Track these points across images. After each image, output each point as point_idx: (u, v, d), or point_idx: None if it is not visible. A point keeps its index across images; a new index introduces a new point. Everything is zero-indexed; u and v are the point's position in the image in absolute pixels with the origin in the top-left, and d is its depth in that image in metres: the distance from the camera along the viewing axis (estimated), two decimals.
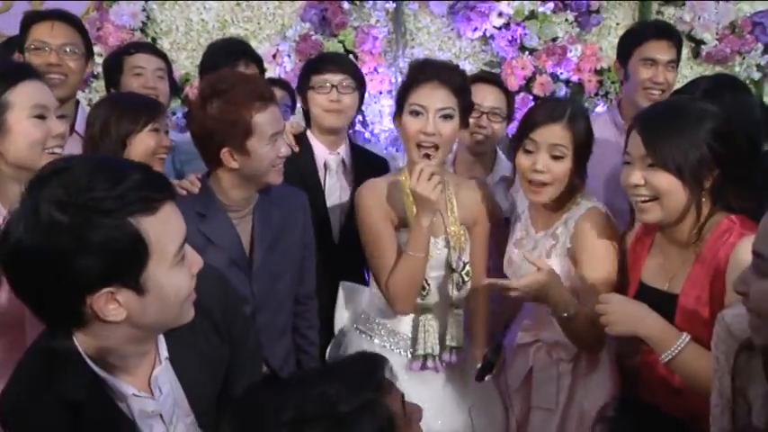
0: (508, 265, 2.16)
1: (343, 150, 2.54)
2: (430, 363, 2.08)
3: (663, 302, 1.74)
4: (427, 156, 1.99)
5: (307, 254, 2.17)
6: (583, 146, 1.99)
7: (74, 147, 2.34)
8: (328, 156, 2.51)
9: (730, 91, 2.14)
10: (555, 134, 1.96)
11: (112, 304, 1.14)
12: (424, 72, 2.05)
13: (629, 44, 2.74)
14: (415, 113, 2.01)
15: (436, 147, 2.01)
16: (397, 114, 2.09)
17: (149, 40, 3.65)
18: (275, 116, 1.93)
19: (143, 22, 3.67)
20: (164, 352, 1.33)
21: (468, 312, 2.20)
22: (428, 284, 2.09)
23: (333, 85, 2.44)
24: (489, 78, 2.58)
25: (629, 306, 1.73)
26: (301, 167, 2.44)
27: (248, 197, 2.02)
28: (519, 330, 2.17)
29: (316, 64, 2.54)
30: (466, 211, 2.16)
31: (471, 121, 2.32)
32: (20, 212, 1.11)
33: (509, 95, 2.65)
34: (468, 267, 2.10)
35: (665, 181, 1.67)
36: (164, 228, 1.15)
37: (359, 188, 2.18)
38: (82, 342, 1.22)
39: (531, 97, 3.56)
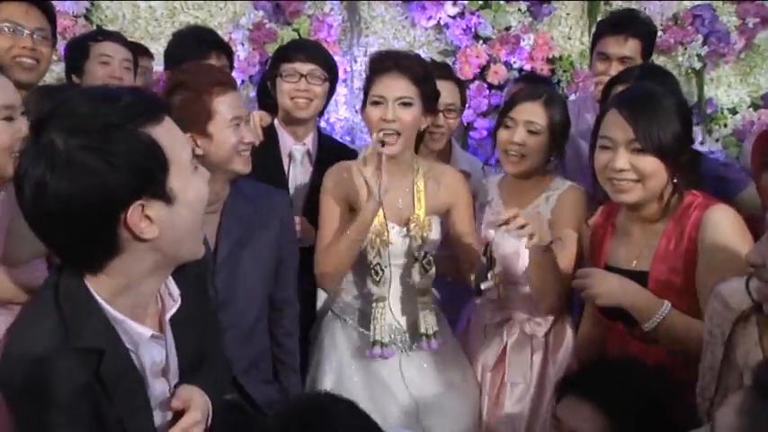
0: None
1: (310, 141, 2.51)
2: (377, 350, 2.07)
3: (633, 280, 1.78)
4: (382, 143, 2.00)
5: (284, 256, 2.10)
6: (558, 125, 2.14)
7: None
8: (294, 146, 2.48)
9: (661, 77, 2.24)
10: (531, 111, 2.13)
11: (145, 222, 1.16)
12: (382, 63, 2.11)
13: (593, 38, 2.83)
14: (376, 103, 2.07)
15: (398, 133, 2.05)
16: (363, 108, 2.14)
17: (93, 27, 3.51)
18: (235, 101, 1.95)
19: (87, 9, 3.53)
20: (175, 290, 1.35)
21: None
22: (381, 271, 2.10)
23: (302, 75, 2.40)
24: (441, 74, 2.56)
25: (609, 278, 1.76)
26: (266, 157, 2.39)
27: (217, 191, 1.96)
28: (488, 311, 2.22)
29: (286, 51, 2.50)
30: (436, 198, 2.16)
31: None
32: (33, 153, 1.11)
33: (461, 86, 2.66)
34: (429, 257, 2.10)
35: (651, 164, 1.72)
36: (172, 136, 1.19)
37: (328, 170, 2.21)
38: (95, 285, 1.21)
39: (486, 86, 3.60)
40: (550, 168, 2.23)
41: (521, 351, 2.13)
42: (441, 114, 2.52)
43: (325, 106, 2.54)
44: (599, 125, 1.83)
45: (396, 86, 2.06)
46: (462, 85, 2.69)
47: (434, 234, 2.15)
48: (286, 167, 2.47)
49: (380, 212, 2.07)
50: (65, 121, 1.11)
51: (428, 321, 2.11)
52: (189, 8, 3.61)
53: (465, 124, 3.60)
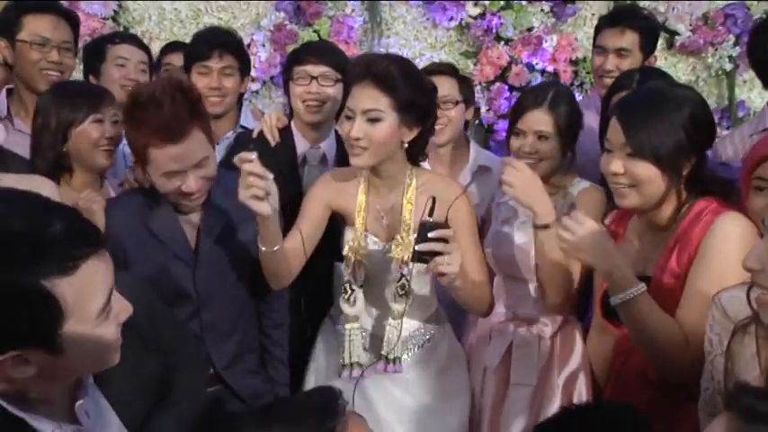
0: (493, 241, 2.19)
1: (327, 145, 2.49)
2: (356, 372, 1.97)
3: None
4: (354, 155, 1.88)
5: None
6: (567, 126, 2.14)
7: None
8: (309, 150, 2.47)
9: (658, 80, 2.18)
10: (538, 120, 2.13)
11: (21, 365, 1.02)
12: (354, 70, 1.92)
13: (594, 34, 2.82)
14: (347, 117, 1.88)
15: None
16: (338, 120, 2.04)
17: (121, 29, 3.59)
18: (174, 156, 1.80)
19: (114, 11, 3.61)
20: (87, 378, 1.22)
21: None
22: (351, 290, 1.98)
23: (312, 77, 2.39)
24: (436, 69, 2.55)
25: (600, 236, 1.67)
26: (281, 160, 2.40)
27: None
28: (496, 308, 2.19)
29: (297, 54, 2.49)
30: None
31: None
32: None
33: (462, 80, 2.61)
34: (404, 281, 1.93)
35: (645, 170, 1.67)
36: (84, 288, 1.04)
37: None
38: None
39: (507, 87, 3.56)
40: (565, 165, 2.20)
41: (526, 351, 2.10)
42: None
43: (341, 108, 2.51)
44: (606, 126, 1.80)
45: (364, 97, 1.84)
46: (464, 79, 2.63)
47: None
48: (301, 172, 2.47)
49: (361, 227, 1.99)
50: None
51: (391, 345, 1.97)
52: (213, 10, 3.67)
53: (485, 126, 3.57)
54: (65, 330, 1.03)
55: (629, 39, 2.70)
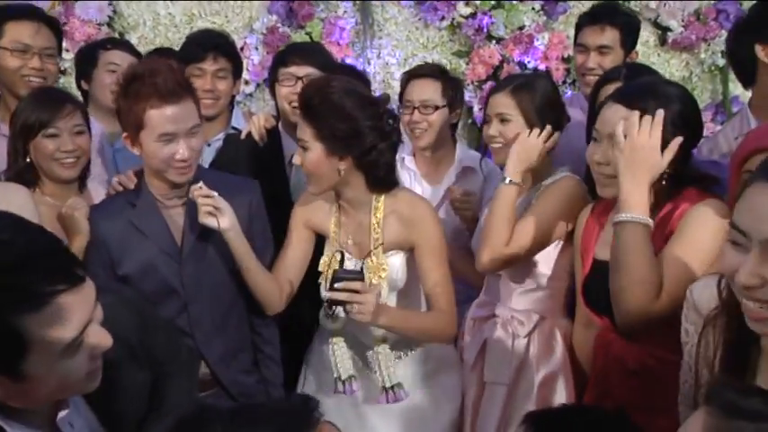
0: (476, 238, 2.20)
1: None
2: (355, 385, 2.00)
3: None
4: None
5: (256, 246, 2.05)
6: (536, 111, 2.10)
7: None
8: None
9: (648, 76, 2.19)
10: (499, 102, 2.14)
11: None
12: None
13: (575, 33, 2.83)
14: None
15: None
16: None
17: (116, 35, 3.61)
18: (170, 117, 1.88)
19: (109, 17, 3.63)
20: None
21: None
22: (330, 307, 1.98)
23: (298, 78, 2.41)
24: (418, 72, 2.56)
25: (648, 149, 1.62)
26: (268, 161, 2.43)
27: (174, 188, 2.00)
28: (474, 306, 2.20)
29: (282, 56, 2.52)
30: (398, 234, 2.00)
31: (406, 118, 2.41)
32: None
33: (446, 82, 2.54)
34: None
35: None
36: (53, 323, 1.02)
37: None
38: None
39: None
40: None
41: (501, 349, 2.09)
42: (416, 111, 2.48)
43: None
44: (594, 119, 1.81)
45: (299, 128, 1.95)
46: (449, 81, 2.56)
47: (397, 274, 2.02)
48: (288, 173, 2.49)
49: (334, 244, 2.04)
50: None
51: (387, 371, 1.97)
52: (206, 14, 3.68)
53: (479, 126, 3.58)
54: (28, 362, 1.02)
55: (610, 36, 2.70)
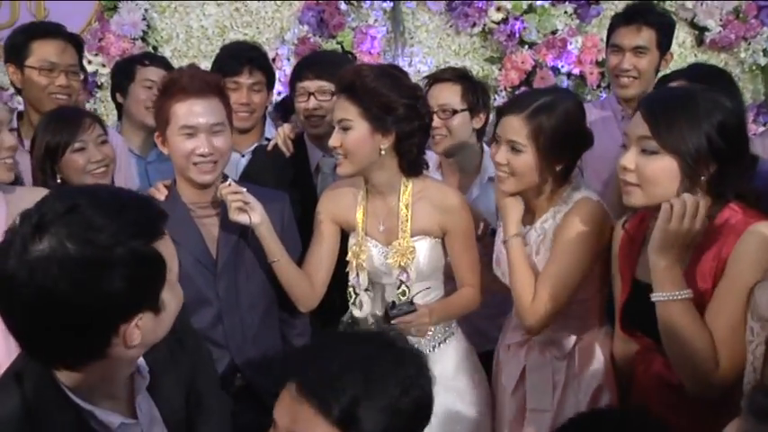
0: (497, 265, 2.11)
1: None
2: None
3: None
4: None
5: (291, 254, 2.06)
6: (552, 144, 1.86)
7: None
8: (322, 158, 2.49)
9: (715, 77, 2.12)
10: (511, 127, 1.88)
11: (137, 332, 1.13)
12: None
13: (607, 33, 2.76)
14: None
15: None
16: None
17: (150, 48, 3.67)
18: (197, 109, 1.92)
19: (144, 31, 3.69)
20: (144, 367, 1.31)
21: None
22: (355, 294, 2.07)
23: (310, 93, 2.41)
24: (439, 77, 2.48)
25: (687, 233, 1.55)
26: (296, 170, 2.44)
27: (205, 197, 2.02)
28: (509, 330, 2.15)
29: (298, 70, 2.51)
30: (427, 220, 2.04)
31: None
32: (37, 255, 1.03)
33: (467, 85, 2.45)
34: (404, 287, 2.00)
35: (656, 168, 1.61)
36: (170, 247, 1.18)
37: None
38: (64, 376, 1.16)
39: None
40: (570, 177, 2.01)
41: (541, 374, 2.02)
42: (435, 115, 2.35)
43: None
44: None
45: (337, 109, 1.98)
46: (471, 85, 2.47)
47: (423, 259, 2.03)
48: (315, 181, 2.48)
49: (361, 232, 2.06)
50: (73, 229, 1.04)
51: None
52: (238, 26, 3.72)
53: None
54: (164, 291, 1.16)
55: (646, 36, 2.63)
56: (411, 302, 1.97)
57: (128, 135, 2.86)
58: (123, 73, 2.89)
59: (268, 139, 2.77)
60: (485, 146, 2.54)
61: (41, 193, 2.00)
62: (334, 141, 1.97)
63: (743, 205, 1.63)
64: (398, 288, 2.01)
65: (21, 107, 2.75)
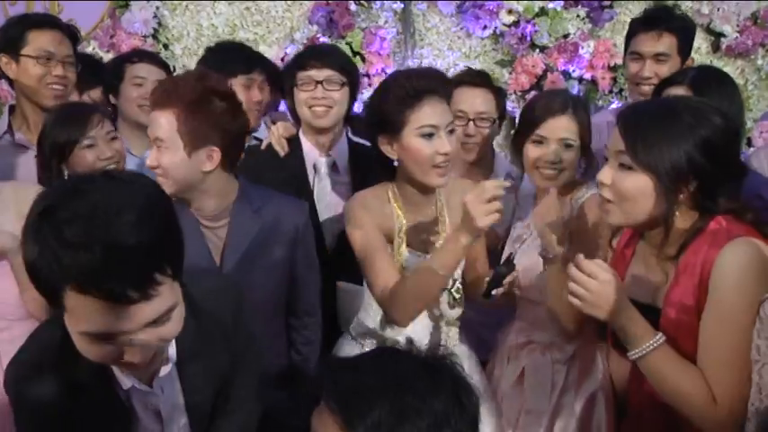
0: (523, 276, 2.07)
1: (338, 152, 2.43)
2: None
3: (646, 317, 1.57)
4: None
5: (301, 271, 2.06)
6: (586, 132, 2.04)
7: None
8: (318, 158, 2.42)
9: (718, 82, 2.05)
10: (563, 126, 2.01)
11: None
12: (421, 84, 1.90)
13: (626, 39, 2.67)
14: (429, 135, 1.89)
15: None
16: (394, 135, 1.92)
17: (161, 46, 3.69)
18: (155, 121, 1.86)
19: (154, 29, 3.70)
20: (172, 353, 1.36)
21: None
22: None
23: (317, 82, 2.32)
24: (473, 80, 2.43)
25: (613, 288, 1.52)
26: (291, 170, 2.38)
27: (213, 208, 1.96)
28: (512, 332, 2.13)
29: (300, 59, 2.42)
30: (459, 217, 2.01)
31: (458, 129, 2.23)
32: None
33: (498, 94, 2.47)
34: (458, 284, 1.98)
35: (632, 185, 1.54)
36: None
37: (347, 202, 2.10)
38: None
39: None
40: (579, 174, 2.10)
41: (541, 377, 2.01)
42: (471, 123, 2.37)
43: (348, 112, 2.44)
44: None
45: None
46: (499, 93, 2.50)
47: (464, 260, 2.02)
48: (311, 180, 2.42)
49: (403, 243, 1.99)
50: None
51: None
52: (248, 24, 3.71)
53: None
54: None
55: (667, 42, 2.53)
56: (510, 261, 1.86)
57: (123, 134, 2.82)
58: (113, 73, 2.85)
59: (258, 139, 2.71)
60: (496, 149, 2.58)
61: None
62: (446, 149, 1.89)
63: (730, 218, 1.55)
64: (452, 286, 1.97)
65: (12, 100, 2.72)
